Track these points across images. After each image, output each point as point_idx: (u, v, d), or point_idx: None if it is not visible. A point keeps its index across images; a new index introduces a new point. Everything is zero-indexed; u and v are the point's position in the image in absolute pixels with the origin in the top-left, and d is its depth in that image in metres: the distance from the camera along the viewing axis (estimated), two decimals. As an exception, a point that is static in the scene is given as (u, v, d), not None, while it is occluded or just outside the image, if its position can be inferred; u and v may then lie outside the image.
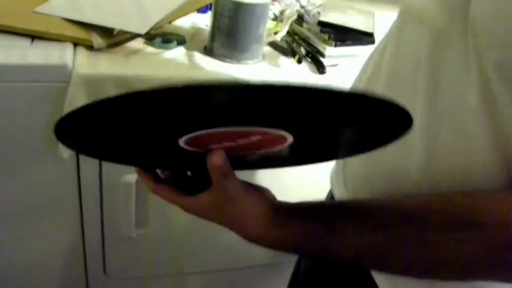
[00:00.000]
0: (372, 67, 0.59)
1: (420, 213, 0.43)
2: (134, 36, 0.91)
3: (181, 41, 0.98)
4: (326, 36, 1.06)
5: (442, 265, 0.42)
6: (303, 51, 1.06)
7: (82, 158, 0.93)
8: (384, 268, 0.47)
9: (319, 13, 1.11)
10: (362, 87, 0.60)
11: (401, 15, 0.56)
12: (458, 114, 0.44)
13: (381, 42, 0.61)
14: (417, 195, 0.47)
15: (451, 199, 0.43)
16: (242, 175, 0.48)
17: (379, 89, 0.54)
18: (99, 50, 0.88)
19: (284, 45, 1.08)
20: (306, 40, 1.09)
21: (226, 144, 0.44)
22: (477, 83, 0.42)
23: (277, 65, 1.01)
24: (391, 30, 0.58)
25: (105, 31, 0.88)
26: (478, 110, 0.43)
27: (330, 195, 0.69)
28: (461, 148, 0.45)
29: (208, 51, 0.99)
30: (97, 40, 0.87)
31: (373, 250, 0.44)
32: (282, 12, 1.17)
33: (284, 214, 0.48)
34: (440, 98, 0.46)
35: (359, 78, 0.64)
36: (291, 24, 1.13)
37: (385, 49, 0.57)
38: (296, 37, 1.11)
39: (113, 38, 0.89)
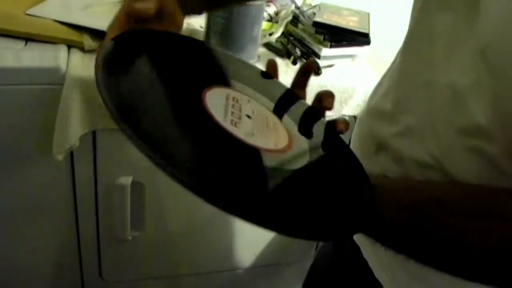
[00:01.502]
0: (386, 85, 0.59)
1: (453, 198, 0.44)
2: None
3: (175, 43, 0.98)
4: (321, 37, 1.06)
5: (461, 251, 0.42)
6: (298, 52, 1.06)
7: (77, 160, 0.93)
8: (403, 248, 0.47)
9: (314, 14, 1.11)
10: (374, 105, 0.60)
11: (407, 39, 0.56)
12: (471, 134, 0.44)
13: (393, 62, 0.60)
14: (450, 182, 0.47)
15: (478, 189, 0.44)
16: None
17: (389, 109, 0.54)
18: (93, 52, 0.87)
19: (279, 46, 1.08)
20: (301, 41, 1.09)
21: None
22: (488, 101, 0.42)
23: (272, 66, 1.01)
24: (399, 51, 0.58)
25: (97, 33, 0.87)
26: (490, 129, 0.42)
27: None
28: (479, 167, 0.44)
29: (202, 52, 0.99)
30: (88, 41, 0.86)
31: (401, 228, 0.44)
32: (277, 13, 1.17)
33: None
34: (451, 120, 0.46)
35: (373, 94, 0.64)
36: (286, 25, 1.13)
37: (394, 70, 0.57)
38: (291, 38, 1.11)
39: (106, 40, 0.89)
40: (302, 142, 0.47)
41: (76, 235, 1.05)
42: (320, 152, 0.48)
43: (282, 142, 0.44)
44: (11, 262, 1.05)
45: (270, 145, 0.42)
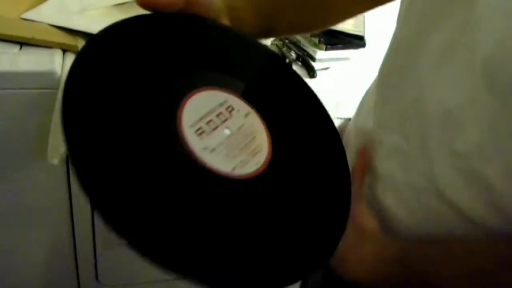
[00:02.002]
0: (369, 103, 0.56)
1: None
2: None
3: (170, 46, 0.98)
4: (316, 40, 1.06)
5: None
6: (293, 55, 1.06)
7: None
8: None
9: (309, 16, 1.11)
10: (360, 125, 0.58)
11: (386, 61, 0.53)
12: (467, 155, 0.42)
13: (376, 79, 0.58)
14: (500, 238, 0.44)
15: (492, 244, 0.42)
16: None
17: (374, 129, 0.52)
18: (88, 56, 0.87)
19: (275, 49, 1.08)
20: (297, 44, 1.09)
21: None
22: (486, 121, 0.40)
23: (267, 69, 1.01)
24: (381, 66, 0.55)
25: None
26: (487, 150, 0.40)
27: None
28: (475, 190, 0.42)
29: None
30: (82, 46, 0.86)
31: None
32: (272, 16, 1.17)
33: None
34: (444, 140, 0.43)
35: (357, 113, 0.61)
36: (281, 28, 1.13)
37: (377, 85, 0.55)
38: (286, 41, 1.11)
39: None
40: (285, 177, 0.40)
41: (72, 239, 1.05)
42: (303, 188, 0.41)
43: (248, 169, 0.38)
44: (7, 266, 1.05)
45: (225, 168, 0.36)
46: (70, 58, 0.86)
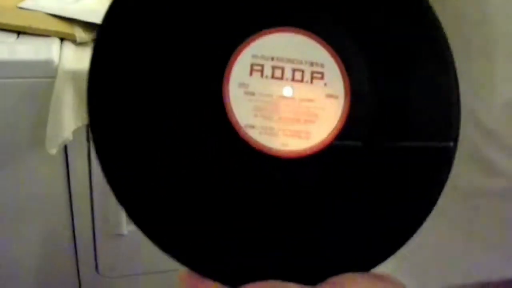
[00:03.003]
0: None
1: None
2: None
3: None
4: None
5: None
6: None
7: (71, 153, 0.93)
8: None
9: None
10: None
11: None
12: (474, 140, 0.40)
13: None
14: None
15: None
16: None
17: None
18: (86, 45, 0.87)
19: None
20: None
21: None
22: (501, 102, 0.38)
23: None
24: None
25: (90, 26, 0.87)
26: (496, 134, 0.39)
27: None
28: (476, 173, 0.41)
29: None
30: (80, 34, 0.86)
31: None
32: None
33: None
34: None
35: None
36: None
37: None
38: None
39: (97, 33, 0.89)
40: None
41: (72, 230, 1.05)
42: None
43: (267, 141, 0.27)
44: (6, 258, 1.05)
45: (241, 118, 0.27)
46: (67, 47, 0.86)
